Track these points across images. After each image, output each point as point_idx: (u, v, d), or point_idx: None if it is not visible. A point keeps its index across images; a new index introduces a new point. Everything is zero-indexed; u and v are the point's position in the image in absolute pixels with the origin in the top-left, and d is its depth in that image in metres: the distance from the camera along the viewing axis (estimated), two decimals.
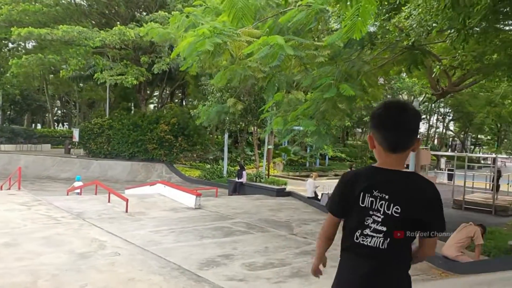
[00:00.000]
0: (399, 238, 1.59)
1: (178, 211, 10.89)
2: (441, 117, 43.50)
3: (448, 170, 25.44)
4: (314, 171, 17.96)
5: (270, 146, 20.68)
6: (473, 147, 44.78)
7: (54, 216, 8.66)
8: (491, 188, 16.02)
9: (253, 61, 7.71)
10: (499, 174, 16.17)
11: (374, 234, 1.60)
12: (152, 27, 8.59)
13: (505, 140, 26.77)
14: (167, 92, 34.72)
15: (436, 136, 45.97)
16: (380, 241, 1.59)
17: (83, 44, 21.92)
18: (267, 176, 18.77)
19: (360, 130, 41.29)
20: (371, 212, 1.62)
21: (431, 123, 43.24)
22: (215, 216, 10.46)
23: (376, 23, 8.20)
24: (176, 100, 38.95)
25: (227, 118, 18.15)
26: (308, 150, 30.82)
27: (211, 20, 7.41)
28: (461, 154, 25.62)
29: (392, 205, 1.59)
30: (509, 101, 11.73)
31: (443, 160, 30.79)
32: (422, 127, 42.37)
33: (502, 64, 6.41)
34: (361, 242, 1.63)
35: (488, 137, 35.45)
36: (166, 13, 21.51)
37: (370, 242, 1.60)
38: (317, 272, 2.08)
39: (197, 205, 11.61)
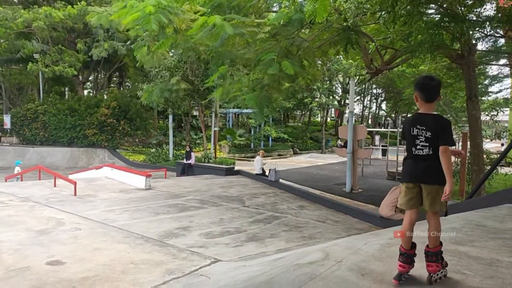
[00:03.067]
0: (436, 147, 2.78)
1: (128, 192, 10.89)
2: (374, 98, 46.25)
3: (382, 146, 27.44)
4: (260, 150, 18.54)
5: (216, 128, 20.91)
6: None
7: (0, 200, 8.35)
8: None
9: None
10: None
11: (423, 148, 2.82)
12: (99, 12, 8.41)
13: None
14: (104, 75, 33.29)
15: (370, 116, 48.86)
16: (426, 150, 2.81)
17: (3, 25, 20.25)
18: (214, 158, 19.05)
19: (299, 112, 42.62)
20: (418, 137, 2.83)
21: (365, 104, 45.83)
22: (167, 195, 10.62)
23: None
24: (113, 85, 37.44)
25: (172, 95, 18.01)
26: (252, 132, 31.42)
27: None
28: (393, 129, 27.68)
29: (427, 131, 2.80)
30: None
31: (377, 137, 33.01)
32: (357, 108, 44.83)
33: (425, 42, 7.28)
34: (417, 153, 2.84)
35: None
36: None
37: (422, 152, 2.83)
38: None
39: (147, 185, 11.67)
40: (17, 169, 15.17)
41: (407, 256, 2.84)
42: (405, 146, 3.00)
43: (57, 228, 6.21)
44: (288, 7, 8.05)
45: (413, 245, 2.88)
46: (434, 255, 2.78)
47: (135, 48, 8.75)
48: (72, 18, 21.69)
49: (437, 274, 2.78)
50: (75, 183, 10.17)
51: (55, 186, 11.02)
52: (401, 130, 3.13)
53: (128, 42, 24.04)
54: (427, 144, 2.78)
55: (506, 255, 3.29)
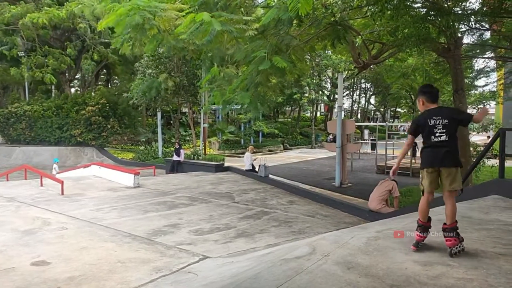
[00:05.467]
0: (452, 133, 3.26)
1: (117, 191, 10.77)
2: (362, 93, 46.48)
3: (371, 140, 27.62)
4: (249, 146, 18.51)
5: (205, 125, 20.81)
6: (392, 119, 48.71)
7: None
8: (409, 154, 17.92)
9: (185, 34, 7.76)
10: (415, 142, 18.04)
11: (441, 135, 3.26)
12: (82, 3, 8.22)
13: (419, 111, 29.63)
14: (91, 73, 32.80)
15: (359, 110, 49.09)
16: (444, 137, 3.25)
17: None
18: (204, 154, 18.97)
19: (289, 108, 42.66)
20: (436, 126, 3.28)
21: (354, 99, 46.02)
22: (156, 193, 10.54)
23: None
24: (100, 83, 36.98)
25: (160, 93, 17.86)
26: (242, 128, 31.35)
27: None
28: (382, 124, 27.85)
29: (443, 119, 3.27)
30: (420, 73, 13.14)
31: (366, 132, 33.19)
32: (346, 103, 44.99)
33: (412, 36, 7.31)
34: (436, 140, 3.28)
35: (405, 110, 38.78)
36: None
37: (440, 139, 3.26)
38: (394, 172, 3.86)
39: (136, 183, 11.56)
40: (55, 167, 16.54)
41: (424, 227, 3.40)
42: (423, 139, 3.46)
43: (43, 228, 6.12)
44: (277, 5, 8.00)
45: (429, 219, 3.43)
46: (452, 231, 3.21)
47: (116, 44, 8.58)
48: (60, 20, 21.45)
49: (456, 248, 3.15)
50: (62, 182, 10.03)
51: (41, 185, 10.86)
52: (409, 129, 3.66)
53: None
54: (444, 130, 3.24)
55: (490, 246, 3.33)
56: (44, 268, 4.38)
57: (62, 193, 9.78)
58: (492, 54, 12.23)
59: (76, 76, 32.95)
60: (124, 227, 6.55)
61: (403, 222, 4.38)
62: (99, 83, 36.09)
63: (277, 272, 2.96)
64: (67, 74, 26.82)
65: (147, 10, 6.68)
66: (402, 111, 42.12)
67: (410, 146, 3.81)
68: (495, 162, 12.00)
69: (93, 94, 25.98)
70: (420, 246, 3.34)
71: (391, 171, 3.87)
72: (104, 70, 33.93)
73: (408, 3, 7.65)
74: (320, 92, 34.10)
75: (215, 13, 7.14)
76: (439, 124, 3.27)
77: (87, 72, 23.26)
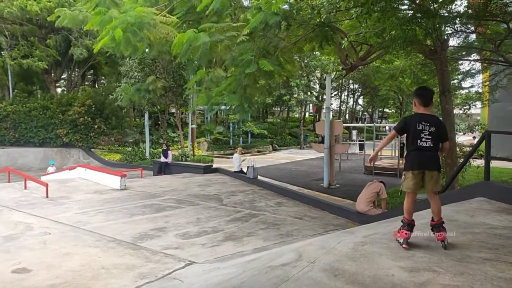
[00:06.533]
0: (436, 141, 3.44)
1: (103, 193, 10.62)
2: (351, 93, 46.68)
3: (359, 141, 27.77)
4: (238, 147, 18.45)
5: (193, 126, 20.66)
6: (380, 120, 49.05)
7: None
8: (397, 154, 18.08)
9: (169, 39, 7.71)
10: (403, 142, 18.23)
11: (426, 141, 3.42)
12: (62, 10, 8.03)
13: (407, 112, 29.85)
14: (77, 73, 32.32)
15: (347, 111, 49.30)
16: (429, 143, 3.42)
17: None
18: (192, 155, 18.83)
19: (278, 109, 42.65)
20: (423, 131, 3.43)
21: (342, 99, 46.19)
22: (143, 195, 10.40)
23: (290, 0, 8.75)
24: (87, 83, 36.47)
25: (149, 96, 17.70)
26: (231, 129, 31.24)
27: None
28: (369, 125, 28.01)
29: (431, 127, 3.43)
30: (407, 75, 13.25)
31: (354, 132, 33.36)
32: (334, 103, 45.16)
33: (398, 38, 7.34)
34: (421, 145, 3.43)
35: (393, 110, 39.07)
36: None
37: (426, 144, 3.42)
38: (373, 160, 4.20)
39: (122, 186, 11.41)
40: (49, 169, 16.92)
41: (411, 225, 3.55)
42: (408, 140, 3.59)
43: (25, 233, 5.97)
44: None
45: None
46: (440, 226, 3.43)
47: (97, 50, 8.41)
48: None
49: (447, 240, 3.40)
50: (46, 185, 9.84)
51: (25, 188, 10.64)
52: (396, 126, 3.75)
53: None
54: (430, 137, 3.43)
55: (476, 250, 3.32)
56: (25, 276, 4.27)
57: (47, 196, 9.60)
58: (478, 57, 12.37)
59: (63, 76, 32.45)
60: (109, 231, 6.44)
61: (390, 226, 4.36)
62: (86, 83, 35.60)
63: (263, 280, 2.91)
64: (52, 74, 26.35)
65: (137, 27, 6.59)
66: (390, 111, 42.51)
67: (390, 141, 3.97)
68: (480, 162, 12.17)
69: (79, 94, 25.59)
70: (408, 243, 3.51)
71: (369, 159, 4.17)
72: (91, 71, 33.50)
73: (395, 5, 7.68)
74: (309, 93, 34.17)
75: (206, 25, 7.14)
76: (426, 130, 3.43)
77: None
